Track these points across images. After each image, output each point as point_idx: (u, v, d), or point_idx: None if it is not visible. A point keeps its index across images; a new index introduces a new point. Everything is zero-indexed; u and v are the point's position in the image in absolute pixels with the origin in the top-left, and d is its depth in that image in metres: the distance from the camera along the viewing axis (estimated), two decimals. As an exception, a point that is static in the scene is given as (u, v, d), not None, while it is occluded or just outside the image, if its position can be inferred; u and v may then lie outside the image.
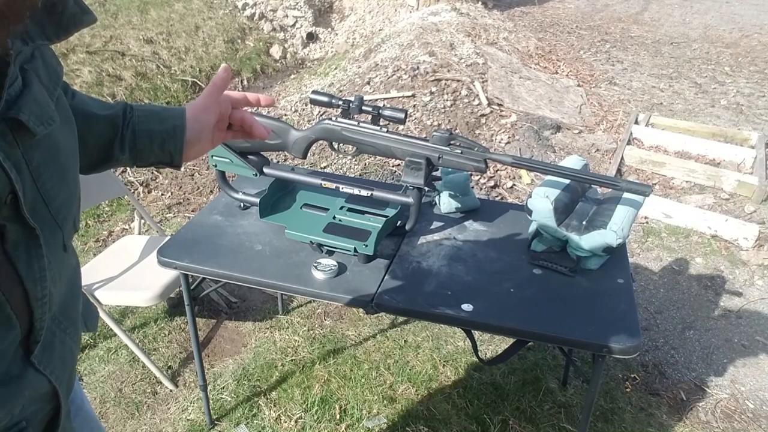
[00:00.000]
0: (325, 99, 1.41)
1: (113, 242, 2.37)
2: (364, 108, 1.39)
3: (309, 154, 1.68)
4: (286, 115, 4.13)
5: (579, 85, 5.10)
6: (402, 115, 1.36)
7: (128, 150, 0.80)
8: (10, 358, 0.58)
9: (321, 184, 1.55)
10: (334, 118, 1.43)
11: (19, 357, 0.59)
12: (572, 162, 1.53)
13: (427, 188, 1.46)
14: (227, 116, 0.86)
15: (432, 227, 1.65)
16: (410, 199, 1.48)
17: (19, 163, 0.53)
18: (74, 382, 0.75)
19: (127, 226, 3.07)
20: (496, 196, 3.31)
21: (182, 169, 0.92)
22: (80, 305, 0.73)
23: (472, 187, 2.05)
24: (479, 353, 1.78)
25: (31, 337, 0.60)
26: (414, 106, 3.90)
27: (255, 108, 0.91)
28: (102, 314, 1.97)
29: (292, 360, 2.22)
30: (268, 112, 4.34)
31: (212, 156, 1.53)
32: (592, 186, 1.60)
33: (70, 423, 0.74)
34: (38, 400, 0.64)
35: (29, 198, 0.55)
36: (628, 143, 4.03)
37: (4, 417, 0.59)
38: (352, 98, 1.40)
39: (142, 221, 2.40)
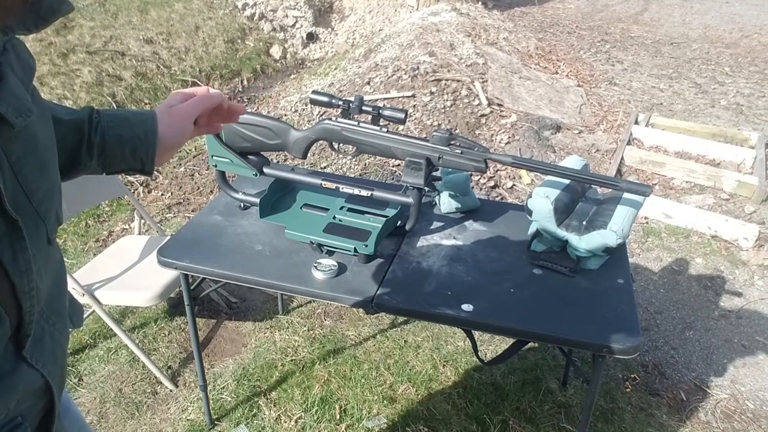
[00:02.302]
0: (325, 99, 1.41)
1: (113, 242, 2.37)
2: (364, 108, 1.39)
3: (309, 154, 1.68)
4: (286, 115, 4.13)
5: (579, 86, 5.10)
6: (402, 115, 1.36)
7: (97, 156, 0.78)
8: (2, 353, 0.58)
9: (321, 184, 1.55)
10: (334, 118, 1.43)
11: (10, 352, 0.60)
12: (572, 162, 1.53)
13: (427, 188, 1.46)
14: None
15: (432, 227, 1.65)
16: (410, 199, 1.48)
17: None
18: (66, 377, 0.75)
19: (127, 226, 3.07)
20: (496, 196, 3.31)
21: (153, 174, 0.92)
22: (66, 300, 0.73)
23: (472, 187, 2.05)
24: (479, 353, 1.78)
25: (21, 331, 0.60)
26: (414, 106, 3.90)
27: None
28: (102, 314, 1.97)
29: (292, 360, 2.22)
30: (268, 111, 4.35)
31: (212, 156, 1.53)
32: (592, 186, 1.60)
33: (60, 422, 0.75)
34: (32, 396, 0.64)
35: (10, 191, 0.55)
36: (628, 143, 4.03)
37: (0, 412, 0.59)
38: (352, 98, 1.40)
39: (142, 221, 2.40)
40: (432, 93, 3.98)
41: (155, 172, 3.65)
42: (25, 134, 0.58)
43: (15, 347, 0.60)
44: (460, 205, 1.69)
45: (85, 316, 2.28)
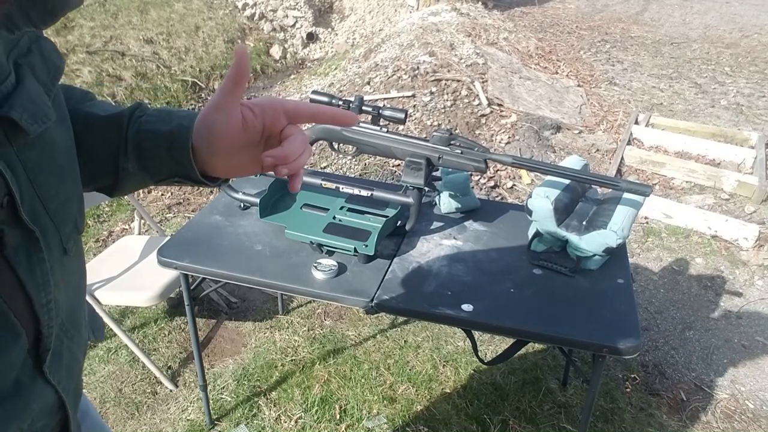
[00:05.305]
0: (325, 99, 1.41)
1: (113, 242, 2.37)
2: (364, 108, 1.39)
3: (309, 154, 1.68)
4: (286, 115, 4.12)
5: (579, 86, 5.10)
6: (402, 115, 1.36)
7: (133, 155, 0.66)
8: (20, 368, 0.55)
9: (321, 184, 1.55)
10: (334, 118, 1.43)
11: (28, 367, 0.57)
12: (572, 162, 1.53)
13: (427, 188, 1.46)
14: (275, 129, 0.62)
15: (432, 227, 1.65)
16: (410, 199, 1.48)
17: (14, 164, 0.51)
18: (81, 392, 0.72)
19: (127, 226, 3.07)
20: (496, 196, 3.31)
21: (205, 183, 0.66)
22: (85, 312, 0.71)
23: (472, 187, 2.05)
24: (479, 353, 1.78)
25: (41, 345, 0.58)
26: (414, 106, 3.90)
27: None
28: (102, 314, 1.97)
29: (292, 360, 2.22)
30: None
31: (212, 156, 1.53)
32: (592, 186, 1.60)
33: (80, 430, 0.72)
34: (45, 415, 0.61)
35: (27, 200, 0.52)
36: (628, 143, 4.03)
37: None
38: (352, 98, 1.40)
39: (142, 221, 2.40)
40: (432, 93, 3.98)
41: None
42: (42, 141, 0.54)
43: (34, 362, 0.57)
44: (460, 205, 1.68)
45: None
